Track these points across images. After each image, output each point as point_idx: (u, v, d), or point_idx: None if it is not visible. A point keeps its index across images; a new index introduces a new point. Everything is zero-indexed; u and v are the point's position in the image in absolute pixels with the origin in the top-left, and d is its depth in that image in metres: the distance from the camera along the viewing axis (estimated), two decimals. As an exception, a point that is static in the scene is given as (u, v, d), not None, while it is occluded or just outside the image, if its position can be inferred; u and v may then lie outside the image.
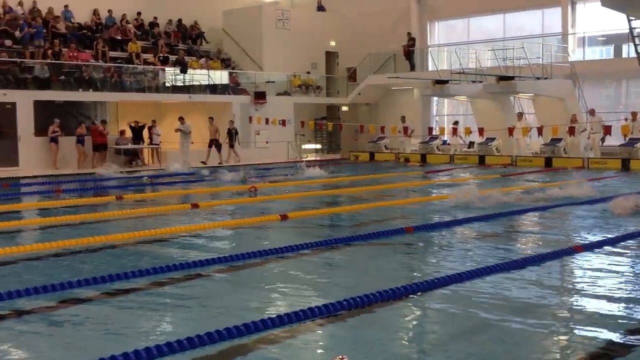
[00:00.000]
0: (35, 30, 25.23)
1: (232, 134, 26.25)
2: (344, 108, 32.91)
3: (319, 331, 5.67)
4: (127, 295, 6.82)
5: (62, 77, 24.50)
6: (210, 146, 25.68)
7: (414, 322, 6.08)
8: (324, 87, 32.89)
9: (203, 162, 24.97)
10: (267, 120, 26.95)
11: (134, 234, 10.00)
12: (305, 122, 28.01)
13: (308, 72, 32.02)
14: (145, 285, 7.19)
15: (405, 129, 26.72)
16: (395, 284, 6.77)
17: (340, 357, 3.85)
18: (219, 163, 25.30)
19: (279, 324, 5.61)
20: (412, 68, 30.12)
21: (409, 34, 30.42)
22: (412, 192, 16.26)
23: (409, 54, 30.13)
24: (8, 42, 24.63)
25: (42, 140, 23.00)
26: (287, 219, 11.56)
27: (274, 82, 30.53)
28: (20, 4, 26.61)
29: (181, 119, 25.12)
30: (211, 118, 25.87)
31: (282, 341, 5.39)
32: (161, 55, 28.33)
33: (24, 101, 22.66)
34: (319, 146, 32.37)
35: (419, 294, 6.64)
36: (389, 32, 31.38)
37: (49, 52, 24.73)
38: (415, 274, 7.88)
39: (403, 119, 27.99)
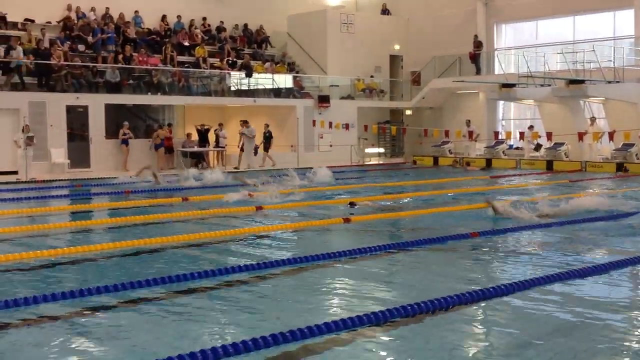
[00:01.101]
0: (107, 35, 26.02)
1: (267, 137, 26.12)
2: (408, 112, 32.69)
3: (384, 336, 5.64)
4: (191, 295, 6.91)
5: (132, 81, 25.17)
6: (242, 150, 25.39)
7: (481, 328, 5.97)
8: (388, 91, 32.76)
9: (235, 168, 24.62)
10: (330, 124, 27.02)
11: (200, 235, 10.16)
12: (368, 125, 27.94)
13: (372, 76, 31.96)
14: (211, 285, 7.28)
15: (470, 133, 26.33)
16: (462, 289, 6.67)
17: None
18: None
19: (342, 327, 5.59)
20: (478, 71, 29.69)
21: (475, 36, 30.01)
22: (474, 196, 15.94)
23: (474, 57, 29.72)
24: (81, 47, 25.44)
25: (112, 143, 23.64)
26: (350, 222, 11.56)
27: (337, 85, 30.60)
28: (93, 10, 27.47)
29: (245, 122, 25.39)
30: (244, 121, 25.65)
31: (347, 345, 5.38)
32: (229, 59, 28.77)
33: (95, 104, 23.36)
34: (382, 150, 32.24)
35: (486, 299, 6.52)
36: (454, 35, 31.02)
37: (120, 56, 25.44)
38: (482, 279, 7.74)
39: (468, 122, 27.61)
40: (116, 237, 10.43)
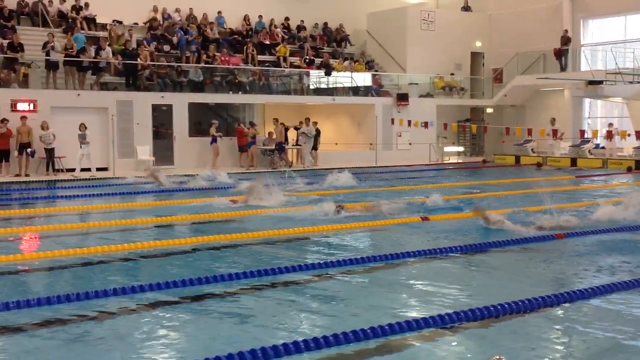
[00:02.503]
0: (192, 36, 26.71)
1: (315, 136, 25.54)
2: (489, 110, 32.08)
3: (463, 336, 5.57)
4: (263, 291, 6.99)
5: (215, 80, 25.74)
6: (277, 149, 24.57)
7: (562, 332, 5.81)
8: (468, 89, 32.26)
9: (289, 166, 24.26)
10: (409, 122, 26.80)
11: (274, 232, 10.29)
12: (448, 124, 27.57)
13: (452, 74, 31.54)
14: (284, 281, 7.36)
15: (555, 132, 25.59)
16: (545, 291, 6.51)
17: (498, 357, 3.74)
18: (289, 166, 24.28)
19: (415, 327, 5.56)
20: (563, 68, 28.81)
21: (565, 31, 29.05)
22: (556, 196, 15.35)
23: (560, 53, 28.84)
24: (166, 48, 26.20)
25: (195, 141, 24.20)
26: (429, 220, 11.46)
27: (417, 83, 30.36)
28: (178, 11, 28.25)
29: (307, 120, 25.30)
30: (276, 119, 25.26)
31: (423, 344, 5.34)
32: (307, 58, 29.01)
33: (179, 103, 24.01)
34: (461, 149, 31.77)
35: (568, 303, 6.35)
36: (538, 31, 30.19)
37: (203, 56, 26.06)
38: (566, 281, 7.54)
39: (553, 121, 26.82)
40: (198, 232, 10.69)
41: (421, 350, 5.24)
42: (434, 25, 31.43)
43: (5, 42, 22.06)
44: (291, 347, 4.99)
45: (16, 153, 20.40)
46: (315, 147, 25.60)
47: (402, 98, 28.59)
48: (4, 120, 20.25)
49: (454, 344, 5.41)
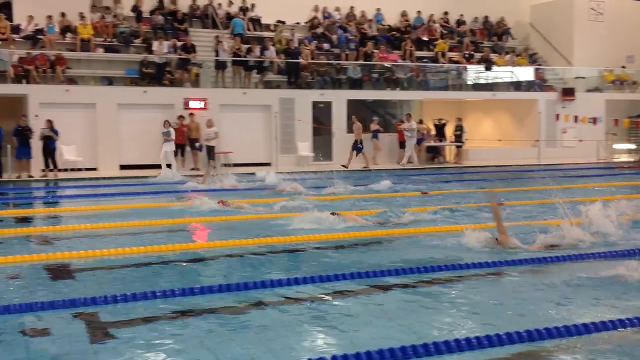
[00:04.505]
0: (351, 34, 27.08)
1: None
2: (665, 105, 29.80)
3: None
4: (388, 291, 6.84)
5: (373, 77, 25.93)
6: (354, 149, 23.09)
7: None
8: (641, 82, 30.16)
9: (344, 166, 22.59)
10: (575, 118, 25.56)
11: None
12: (619, 120, 25.93)
13: (623, 67, 29.62)
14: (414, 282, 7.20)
15: None
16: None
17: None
18: (364, 167, 22.79)
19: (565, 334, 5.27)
20: None
21: None
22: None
23: None
24: (326, 46, 26.73)
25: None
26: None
27: (584, 77, 28.83)
28: (338, 9, 28.73)
29: (408, 116, 24.24)
30: (354, 116, 23.86)
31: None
32: (467, 53, 28.45)
33: (338, 100, 24.44)
34: (633, 146, 29.73)
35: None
36: None
37: (362, 53, 26.32)
38: None
39: None
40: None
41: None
42: (604, 16, 29.68)
43: (179, 44, 23.54)
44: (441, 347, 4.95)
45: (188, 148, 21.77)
46: (460, 145, 25.11)
47: (568, 93, 27.25)
48: (180, 117, 21.64)
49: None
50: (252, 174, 19.25)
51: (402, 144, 24.29)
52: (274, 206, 12.48)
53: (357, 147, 23.02)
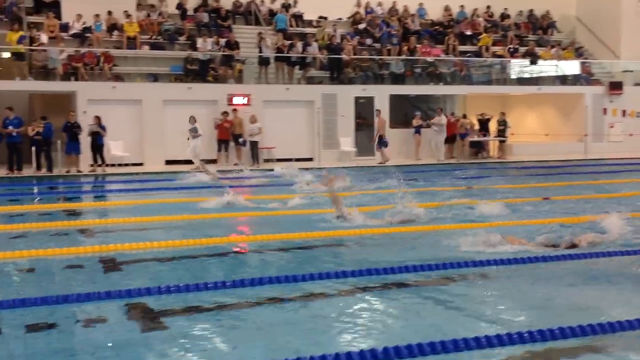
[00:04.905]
0: (393, 29, 27.00)
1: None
2: None
3: None
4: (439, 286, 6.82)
5: (415, 72, 25.81)
6: (378, 143, 22.85)
7: None
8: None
9: (381, 163, 22.35)
10: (623, 112, 25.05)
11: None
12: (668, 114, 25.35)
13: (673, 59, 28.87)
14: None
15: None
16: None
17: None
18: (380, 163, 22.42)
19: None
20: None
21: None
22: None
23: None
24: (368, 41, 26.69)
25: (395, 132, 24.36)
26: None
27: (632, 71, 28.19)
28: (380, 4, 28.66)
29: (439, 110, 24.20)
30: (378, 111, 23.30)
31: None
32: (511, 47, 28.10)
33: (381, 95, 24.39)
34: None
35: None
36: None
37: (405, 48, 26.22)
38: None
39: None
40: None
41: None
42: (653, 8, 28.98)
43: (222, 41, 23.78)
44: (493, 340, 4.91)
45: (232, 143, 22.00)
46: (503, 140, 24.78)
47: (616, 86, 26.71)
48: (225, 113, 21.87)
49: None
50: (271, 170, 19.35)
51: (445, 139, 24.14)
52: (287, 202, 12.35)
53: (382, 142, 22.77)
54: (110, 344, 5.08)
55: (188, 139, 21.04)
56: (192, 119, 21.03)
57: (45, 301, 6.07)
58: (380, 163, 22.48)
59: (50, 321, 5.66)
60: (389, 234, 9.58)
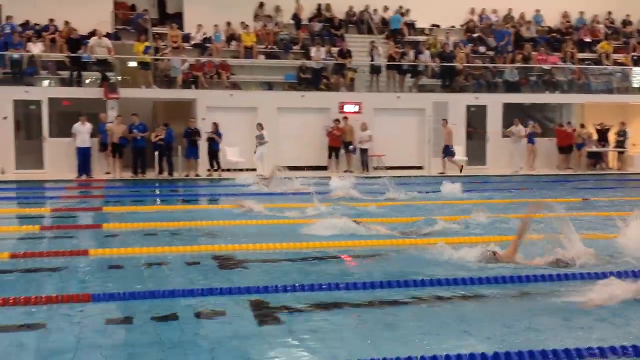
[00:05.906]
0: (508, 36, 26.51)
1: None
2: None
3: None
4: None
5: (531, 80, 25.22)
6: (445, 153, 22.17)
7: None
8: None
9: (441, 173, 21.65)
10: None
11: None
12: None
13: None
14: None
15: None
16: None
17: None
18: (440, 173, 21.66)
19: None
20: None
21: None
22: None
23: None
24: (482, 49, 26.33)
25: (508, 141, 23.75)
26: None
27: None
28: (495, 11, 28.21)
29: (516, 121, 23.04)
30: (445, 120, 22.50)
31: None
32: (635, 55, 26.92)
33: (493, 104, 24.01)
34: None
35: None
36: None
37: (519, 56, 25.68)
38: None
39: None
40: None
41: None
42: None
43: (335, 50, 24.21)
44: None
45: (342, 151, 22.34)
46: (622, 150, 23.86)
47: None
48: (336, 121, 22.25)
49: None
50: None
51: (561, 149, 23.47)
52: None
53: (448, 152, 22.22)
54: (228, 335, 5.47)
55: (256, 145, 21.23)
56: (259, 126, 21.27)
57: (172, 294, 6.52)
58: (441, 173, 21.62)
59: (172, 312, 6.07)
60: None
